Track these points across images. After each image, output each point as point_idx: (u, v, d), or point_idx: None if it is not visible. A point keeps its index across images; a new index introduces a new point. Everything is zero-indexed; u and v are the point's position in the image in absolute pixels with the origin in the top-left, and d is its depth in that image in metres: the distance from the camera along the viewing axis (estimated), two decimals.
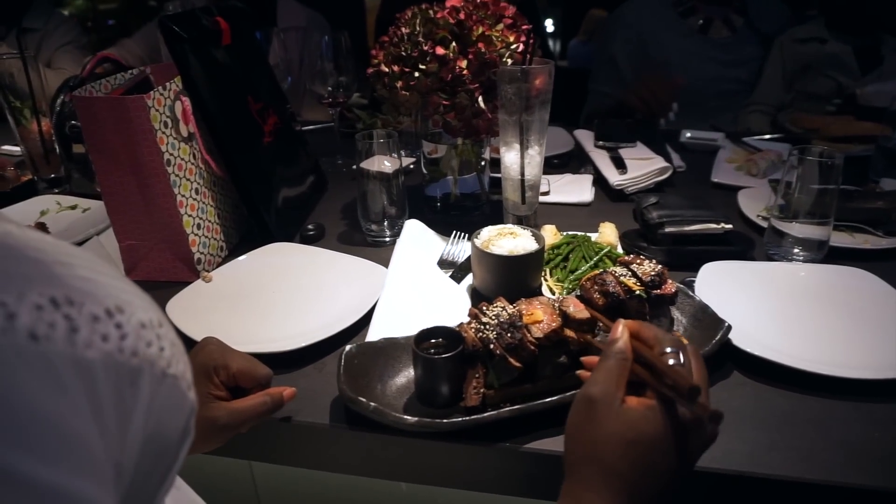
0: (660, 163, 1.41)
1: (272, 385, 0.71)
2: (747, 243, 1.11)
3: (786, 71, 2.05)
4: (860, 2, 1.91)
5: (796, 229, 1.03)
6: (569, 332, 0.72)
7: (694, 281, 0.95)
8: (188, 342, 0.84)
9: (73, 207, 1.33)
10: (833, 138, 1.63)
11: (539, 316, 0.73)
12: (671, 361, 0.55)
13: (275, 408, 0.68)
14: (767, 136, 1.77)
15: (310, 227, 1.21)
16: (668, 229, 1.07)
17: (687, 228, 1.07)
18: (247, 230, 1.21)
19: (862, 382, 0.76)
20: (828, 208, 1.00)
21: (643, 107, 1.80)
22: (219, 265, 1.09)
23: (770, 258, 1.07)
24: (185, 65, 1.04)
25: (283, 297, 0.99)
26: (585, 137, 1.61)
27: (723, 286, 0.94)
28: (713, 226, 1.07)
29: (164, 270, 1.05)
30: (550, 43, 4.47)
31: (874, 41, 1.96)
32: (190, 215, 1.03)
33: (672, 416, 0.52)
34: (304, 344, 0.84)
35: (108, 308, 0.30)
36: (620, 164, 1.43)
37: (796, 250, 1.04)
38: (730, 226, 1.08)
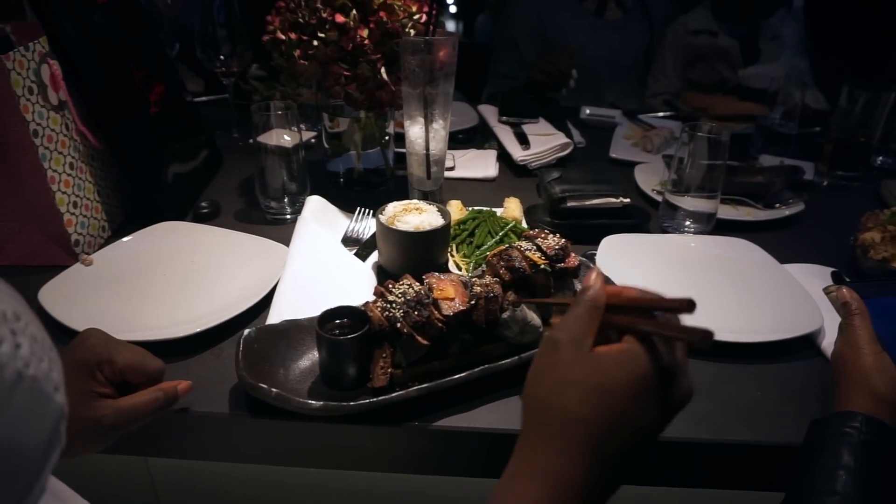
0: (561, 139, 1.44)
1: (166, 378, 0.65)
2: (644, 216, 1.15)
3: (679, 60, 2.14)
4: None
5: (688, 203, 1.08)
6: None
7: (595, 254, 0.98)
8: (67, 333, 0.77)
9: None
10: (718, 117, 1.73)
11: (450, 293, 0.72)
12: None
13: (168, 404, 0.63)
14: (661, 114, 1.85)
15: (203, 204, 1.14)
16: (570, 203, 1.09)
17: (588, 203, 1.10)
18: (133, 208, 1.12)
19: (747, 346, 0.81)
20: (716, 182, 1.06)
21: (546, 78, 1.83)
22: (101, 247, 1.00)
23: (664, 230, 1.12)
24: (53, 24, 0.93)
25: (175, 280, 0.93)
26: (489, 113, 1.61)
27: (622, 258, 0.97)
28: (612, 200, 1.11)
29: (35, 254, 0.95)
30: (452, 22, 4.38)
31: (755, 31, 2.07)
32: (64, 192, 0.93)
33: (649, 360, 0.46)
34: (198, 329, 0.79)
35: None
36: (524, 140, 1.44)
37: (688, 223, 1.09)
38: (628, 200, 1.11)
